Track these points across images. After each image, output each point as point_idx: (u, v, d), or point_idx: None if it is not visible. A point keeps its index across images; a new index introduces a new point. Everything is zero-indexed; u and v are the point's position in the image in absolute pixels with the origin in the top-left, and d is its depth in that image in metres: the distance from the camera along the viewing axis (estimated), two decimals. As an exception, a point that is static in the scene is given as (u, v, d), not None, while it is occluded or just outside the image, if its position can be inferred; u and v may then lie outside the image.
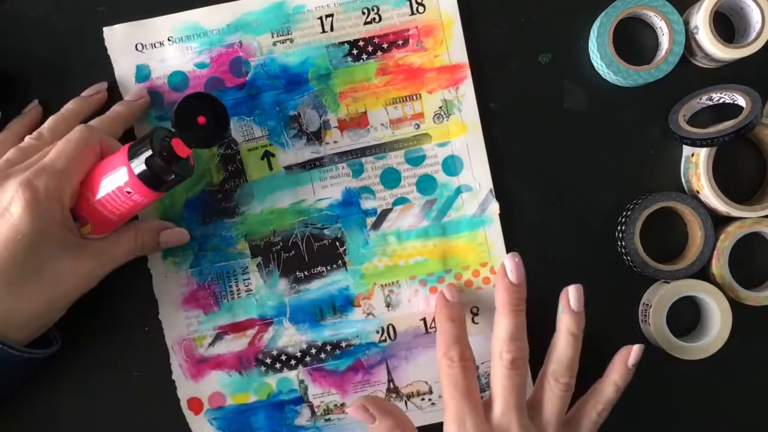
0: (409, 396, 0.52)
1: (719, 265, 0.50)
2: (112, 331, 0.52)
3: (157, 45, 0.51)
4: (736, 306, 0.50)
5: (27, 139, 0.47)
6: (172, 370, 0.52)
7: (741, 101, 0.48)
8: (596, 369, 0.49)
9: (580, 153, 0.52)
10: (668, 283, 0.50)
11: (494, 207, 0.52)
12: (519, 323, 0.47)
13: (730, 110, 0.50)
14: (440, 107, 0.52)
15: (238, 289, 0.52)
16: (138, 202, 0.45)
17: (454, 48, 0.51)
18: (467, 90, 0.51)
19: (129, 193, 0.44)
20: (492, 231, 0.52)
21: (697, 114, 0.52)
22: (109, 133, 0.47)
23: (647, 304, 0.51)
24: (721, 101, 0.50)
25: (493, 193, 0.52)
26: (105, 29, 0.51)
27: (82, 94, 0.50)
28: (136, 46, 0.51)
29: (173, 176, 0.44)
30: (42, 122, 0.49)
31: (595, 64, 0.52)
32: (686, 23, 0.50)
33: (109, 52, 0.51)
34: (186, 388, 0.52)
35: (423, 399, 0.52)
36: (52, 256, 0.43)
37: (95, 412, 0.52)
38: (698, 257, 0.50)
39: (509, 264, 0.48)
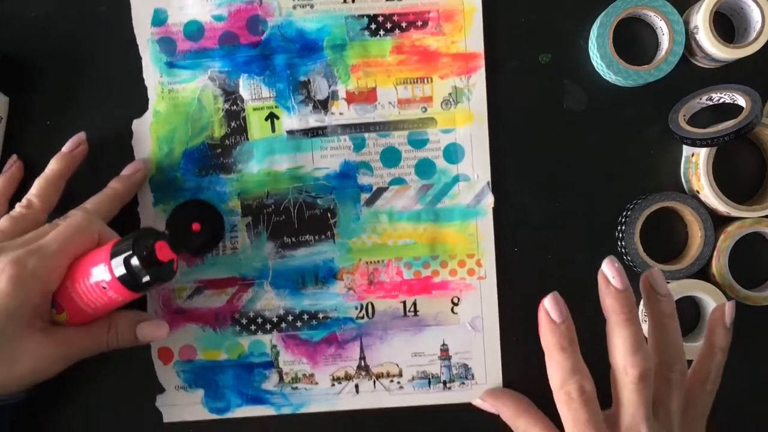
0: (378, 376, 0.52)
1: (719, 265, 0.50)
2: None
3: (178, -8, 0.51)
4: (736, 306, 0.50)
5: (17, 207, 0.47)
6: (147, 316, 0.52)
7: (741, 101, 0.48)
8: (597, 370, 0.49)
9: (580, 153, 0.52)
10: (668, 283, 0.50)
11: (489, 200, 0.51)
12: (636, 332, 0.43)
13: (730, 110, 0.50)
14: (450, 93, 0.52)
15: (224, 246, 0.52)
16: (114, 299, 0.44)
17: (471, 36, 0.51)
18: (479, 80, 0.51)
19: (105, 289, 0.43)
20: (484, 223, 0.52)
21: (697, 114, 0.52)
22: (107, 213, 0.47)
23: None
24: (721, 101, 0.50)
25: (490, 186, 0.51)
26: (128, -32, 0.51)
27: (63, 149, 0.49)
28: (156, -11, 0.51)
29: (150, 279, 0.43)
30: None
31: (595, 64, 0.52)
32: (686, 23, 0.50)
33: (128, -8, 0.51)
34: (158, 336, 0.52)
35: (392, 381, 0.52)
36: (15, 337, 0.42)
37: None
38: (698, 257, 0.50)
39: (610, 270, 0.44)
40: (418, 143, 0.52)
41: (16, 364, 0.43)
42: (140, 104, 0.52)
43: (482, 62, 0.51)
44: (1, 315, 0.42)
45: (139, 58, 0.51)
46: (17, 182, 0.50)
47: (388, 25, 0.51)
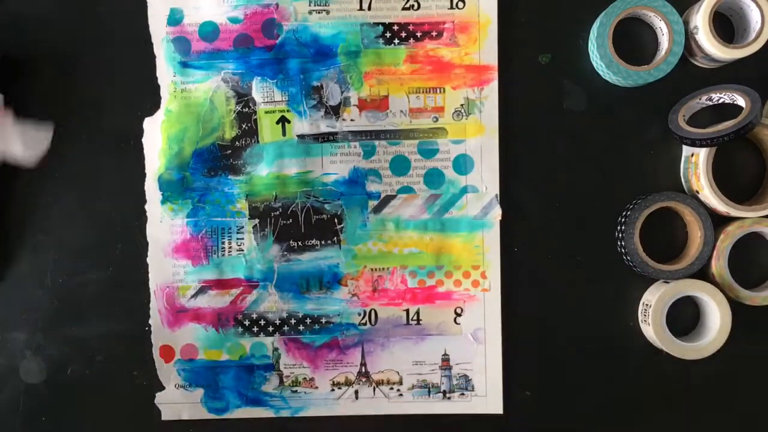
0: (379, 383, 0.52)
1: (719, 265, 0.50)
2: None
3: (195, -8, 0.51)
4: (736, 306, 0.50)
5: None
6: (150, 314, 0.52)
7: (741, 101, 0.48)
8: (597, 370, 0.48)
9: (580, 153, 0.52)
10: (668, 283, 0.50)
11: (497, 212, 0.52)
12: None
13: (730, 110, 0.50)
14: (461, 105, 0.52)
15: (230, 247, 0.52)
16: None
17: (486, 49, 0.51)
18: (491, 93, 0.51)
19: None
20: (490, 236, 0.52)
21: (697, 114, 0.52)
22: None
23: (647, 304, 0.51)
24: (720, 101, 0.50)
25: (498, 198, 0.52)
26: (146, -33, 0.51)
27: None
28: (173, -11, 0.51)
29: None
30: None
31: (595, 64, 0.52)
32: (686, 23, 0.50)
33: (145, -9, 0.51)
34: (161, 334, 0.52)
35: (392, 388, 0.52)
36: None
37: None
38: (698, 257, 0.50)
39: None
40: (427, 153, 0.52)
41: None
42: (151, 103, 0.52)
43: (495, 75, 0.51)
44: None
45: (147, 57, 0.51)
46: None
47: (403, 34, 0.51)
